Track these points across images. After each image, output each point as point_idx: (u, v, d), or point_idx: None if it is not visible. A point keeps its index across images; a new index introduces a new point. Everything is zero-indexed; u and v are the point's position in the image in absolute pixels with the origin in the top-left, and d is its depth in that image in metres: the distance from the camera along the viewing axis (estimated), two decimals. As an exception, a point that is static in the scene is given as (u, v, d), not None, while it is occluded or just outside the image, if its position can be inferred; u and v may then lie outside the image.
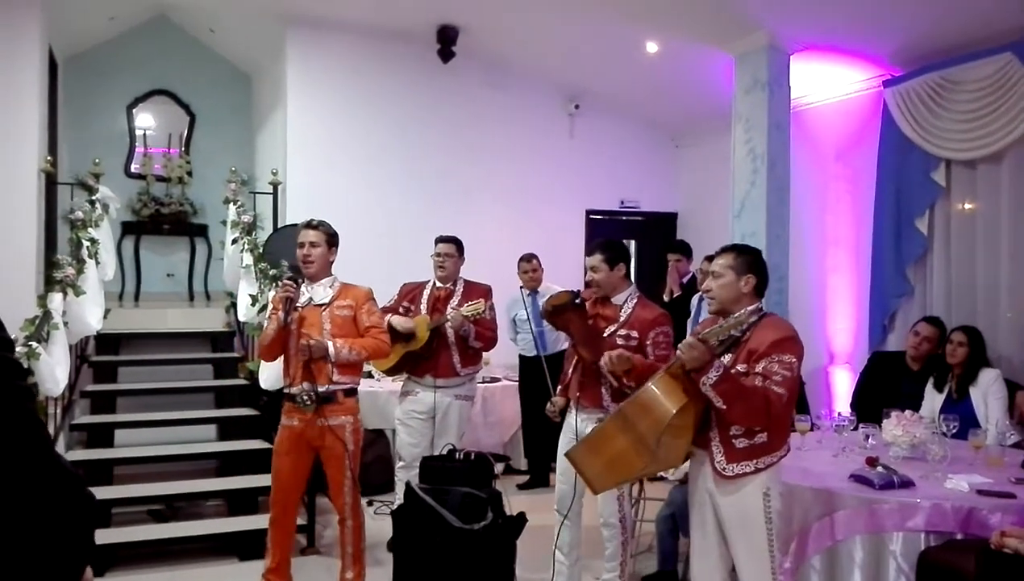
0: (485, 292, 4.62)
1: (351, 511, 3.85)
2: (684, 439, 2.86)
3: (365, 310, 3.90)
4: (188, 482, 5.17)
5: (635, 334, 3.67)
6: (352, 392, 3.86)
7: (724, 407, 2.72)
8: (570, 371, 3.89)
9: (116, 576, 4.35)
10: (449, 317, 4.43)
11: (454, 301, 4.58)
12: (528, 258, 5.93)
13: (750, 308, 2.91)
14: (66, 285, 4.91)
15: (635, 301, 3.79)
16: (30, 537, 1.31)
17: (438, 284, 4.66)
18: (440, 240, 4.70)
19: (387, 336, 3.99)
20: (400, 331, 4.47)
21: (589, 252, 3.85)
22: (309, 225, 3.94)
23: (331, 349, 3.72)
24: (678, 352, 2.74)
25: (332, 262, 3.96)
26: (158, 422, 5.60)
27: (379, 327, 3.92)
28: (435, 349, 4.48)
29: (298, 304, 3.83)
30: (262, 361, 4.87)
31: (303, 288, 3.90)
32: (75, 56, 8.02)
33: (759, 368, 2.78)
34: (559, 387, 4.02)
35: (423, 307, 4.60)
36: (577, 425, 3.81)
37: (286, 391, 3.86)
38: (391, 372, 4.65)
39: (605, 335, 3.71)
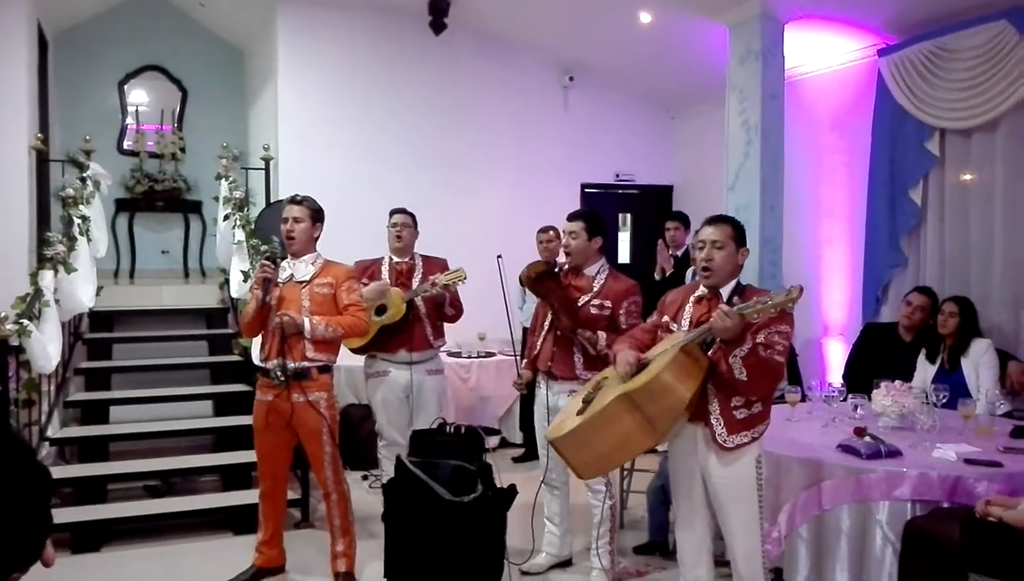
0: (444, 265, 4.62)
1: (334, 485, 3.85)
2: (689, 410, 2.86)
3: (345, 288, 3.87)
4: (183, 458, 5.19)
5: (608, 303, 3.83)
6: (327, 369, 3.84)
7: (745, 379, 2.72)
8: (538, 343, 3.95)
9: (112, 551, 4.39)
10: (427, 287, 4.38)
11: (417, 275, 4.56)
12: (545, 230, 5.93)
13: (737, 282, 2.95)
14: (57, 262, 4.91)
15: (606, 273, 3.93)
16: None
17: (396, 258, 4.62)
18: (396, 211, 4.69)
19: (366, 314, 3.97)
20: (372, 301, 4.36)
21: (571, 218, 3.92)
22: (293, 200, 3.90)
23: (306, 325, 3.71)
24: (714, 322, 2.69)
25: (316, 238, 3.93)
26: (153, 398, 5.61)
27: (358, 305, 3.89)
28: (410, 321, 4.46)
29: (280, 280, 3.82)
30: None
31: (285, 264, 3.89)
32: (65, 32, 7.96)
33: (760, 338, 2.78)
34: (524, 360, 4.09)
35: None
36: (548, 398, 3.88)
37: (261, 365, 3.85)
38: (363, 350, 4.56)
39: (579, 305, 3.82)
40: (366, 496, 5.35)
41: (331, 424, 3.80)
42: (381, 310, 4.43)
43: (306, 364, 3.74)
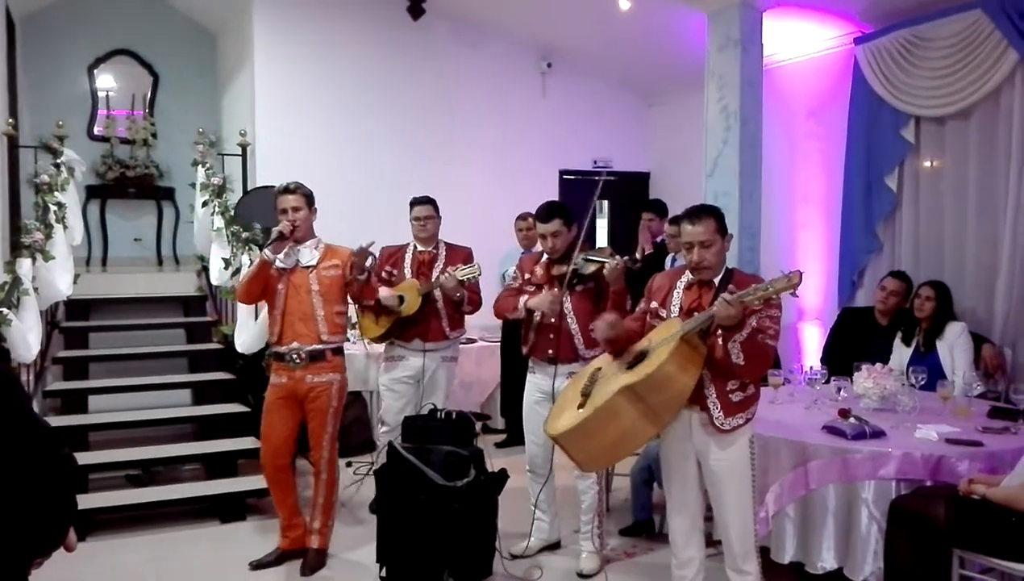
0: (467, 255, 4.58)
1: (327, 464, 3.94)
2: (688, 398, 2.90)
3: None
4: (165, 446, 5.14)
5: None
6: (339, 351, 3.96)
7: (742, 363, 2.77)
8: (531, 335, 3.92)
9: (96, 541, 4.35)
10: (443, 280, 4.38)
11: (438, 265, 4.53)
12: (524, 217, 5.92)
13: (725, 268, 3.00)
14: (35, 250, 4.83)
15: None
16: (14, 498, 1.30)
17: (420, 247, 4.60)
18: (417, 202, 4.61)
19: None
20: (387, 304, 4.40)
21: (544, 218, 3.84)
22: (287, 190, 3.90)
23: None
24: (718, 310, 2.71)
25: (313, 222, 3.99)
26: (132, 387, 5.55)
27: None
28: (426, 314, 4.45)
29: (285, 266, 3.88)
30: (237, 324, 4.88)
31: (288, 250, 3.91)
32: (33, 14, 7.80)
33: (754, 323, 2.84)
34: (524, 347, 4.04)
35: (407, 272, 4.54)
36: (552, 385, 3.87)
37: (273, 350, 3.93)
38: (380, 339, 4.58)
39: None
40: (350, 482, 5.34)
41: (338, 405, 3.91)
42: (400, 299, 4.44)
43: (320, 347, 3.85)
